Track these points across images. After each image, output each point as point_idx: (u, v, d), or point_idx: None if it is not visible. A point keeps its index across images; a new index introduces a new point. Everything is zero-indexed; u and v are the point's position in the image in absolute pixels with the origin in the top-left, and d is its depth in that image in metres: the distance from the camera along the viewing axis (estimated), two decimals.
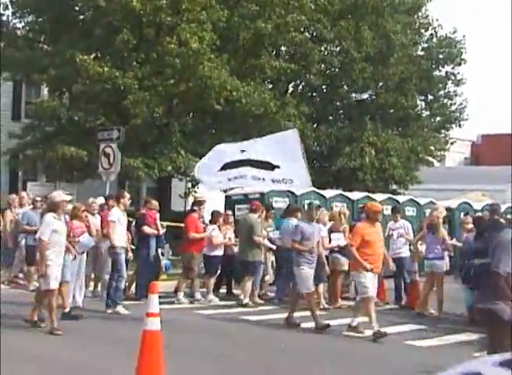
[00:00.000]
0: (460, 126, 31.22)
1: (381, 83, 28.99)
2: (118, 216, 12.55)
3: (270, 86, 27.00)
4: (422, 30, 30.10)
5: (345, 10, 27.32)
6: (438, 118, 30.57)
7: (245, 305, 13.94)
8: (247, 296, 14.13)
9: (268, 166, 11.86)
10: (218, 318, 12.68)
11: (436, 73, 29.93)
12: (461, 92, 30.37)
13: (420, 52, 30.03)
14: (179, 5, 20.65)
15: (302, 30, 25.52)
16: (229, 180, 11.93)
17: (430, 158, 30.60)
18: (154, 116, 20.16)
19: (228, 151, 12.27)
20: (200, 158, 21.52)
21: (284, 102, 23.13)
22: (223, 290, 15.73)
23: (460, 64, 29.70)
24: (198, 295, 14.28)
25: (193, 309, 13.44)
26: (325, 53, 28.20)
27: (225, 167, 11.80)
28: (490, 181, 37.12)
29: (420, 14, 30.09)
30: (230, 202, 18.35)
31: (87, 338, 10.32)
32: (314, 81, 27.87)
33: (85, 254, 12.91)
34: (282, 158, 11.95)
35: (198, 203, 15.13)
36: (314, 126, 28.57)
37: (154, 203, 14.49)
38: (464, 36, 29.76)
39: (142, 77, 20.60)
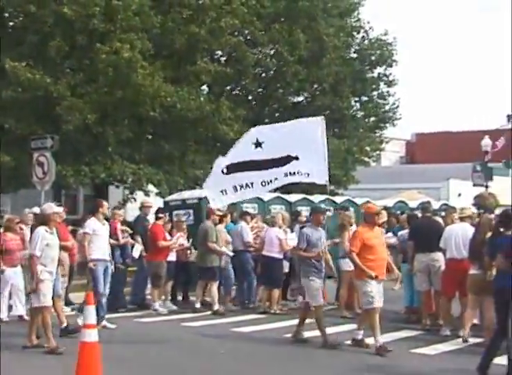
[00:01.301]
0: (394, 125, 31.75)
1: (316, 86, 29.27)
2: (93, 228, 12.06)
3: (206, 90, 26.98)
4: (354, 33, 30.54)
5: (278, 13, 27.47)
6: (372, 118, 31.04)
7: (216, 312, 13.90)
8: (215, 302, 14.10)
9: (283, 161, 11.11)
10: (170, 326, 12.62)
11: (369, 74, 30.39)
12: (394, 92, 30.92)
13: (353, 54, 30.45)
14: (112, 12, 20.44)
15: (236, 33, 25.56)
16: (236, 189, 11.15)
17: (366, 159, 31.01)
18: (87, 123, 19.90)
19: (241, 147, 11.39)
20: (137, 165, 21.62)
21: (220, 106, 23.11)
22: (179, 297, 15.73)
23: (391, 65, 30.24)
24: (156, 305, 14.19)
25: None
26: (260, 56, 28.30)
27: (232, 169, 11.11)
28: (425, 179, 37.88)
29: (352, 17, 30.49)
30: (168, 208, 18.27)
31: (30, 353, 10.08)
32: (250, 85, 27.97)
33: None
34: (303, 148, 11.15)
35: (146, 209, 15.12)
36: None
37: (115, 212, 14.27)
38: (394, 38, 30.30)
39: (75, 85, 20.34)
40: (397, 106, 30.86)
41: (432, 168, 42.33)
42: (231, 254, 14.70)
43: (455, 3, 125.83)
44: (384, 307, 10.63)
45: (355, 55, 30.44)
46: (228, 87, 28.56)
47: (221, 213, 14.91)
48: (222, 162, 11.35)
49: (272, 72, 28.57)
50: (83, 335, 7.77)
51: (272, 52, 28.36)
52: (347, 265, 13.51)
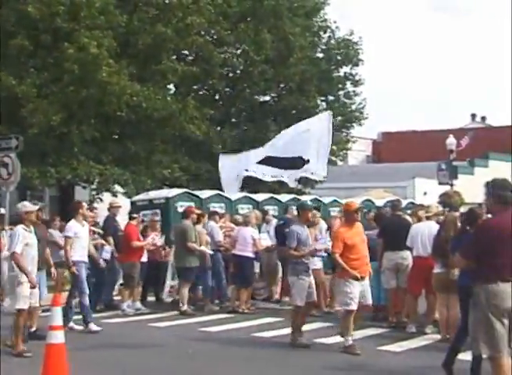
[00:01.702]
0: (360, 124, 31.95)
1: (282, 85, 29.38)
2: (75, 231, 11.86)
3: (173, 90, 26.93)
4: (321, 33, 30.70)
5: (244, 13, 27.53)
6: (339, 118, 31.18)
7: (184, 312, 13.85)
8: (185, 303, 14.03)
9: (298, 164, 11.13)
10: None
11: (335, 74, 30.55)
12: (360, 92, 31.13)
13: (319, 54, 30.60)
14: (76, 11, 20.29)
15: (202, 33, 25.55)
16: (247, 171, 11.42)
17: (333, 158, 31.15)
18: (52, 123, 19.71)
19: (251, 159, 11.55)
20: (103, 166, 21.47)
21: (187, 105, 23.07)
22: (151, 297, 15.67)
23: (357, 65, 30.45)
24: (124, 305, 14.11)
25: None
26: (227, 56, 28.33)
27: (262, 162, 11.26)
28: (392, 178, 38.18)
29: (318, 17, 30.63)
30: (136, 208, 18.18)
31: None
32: (216, 84, 27.98)
33: None
34: (314, 148, 11.12)
35: (114, 209, 15.01)
36: (218, 128, 28.67)
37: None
38: (360, 37, 30.51)
39: (40, 84, 20.15)
40: (364, 106, 31.09)
41: (398, 167, 42.67)
42: (211, 253, 14.66)
43: (419, 3, 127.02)
44: None
45: (321, 55, 30.60)
46: (195, 87, 28.55)
47: (199, 212, 14.88)
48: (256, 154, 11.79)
49: (238, 71, 28.63)
50: (49, 337, 7.72)
51: (238, 52, 28.42)
52: (312, 263, 13.59)
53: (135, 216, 14.90)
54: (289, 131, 11.61)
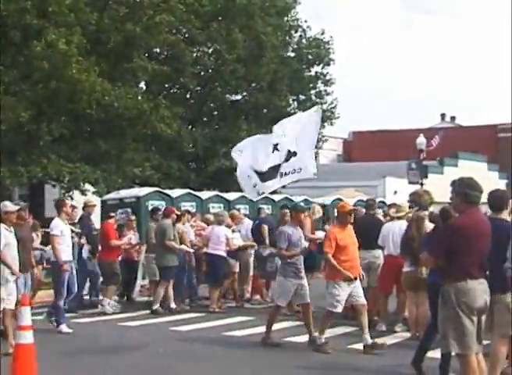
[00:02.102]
0: (332, 124, 32.06)
1: (254, 84, 29.40)
2: (61, 229, 11.70)
3: (144, 88, 26.82)
4: (292, 32, 30.76)
5: (216, 12, 27.50)
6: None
7: (155, 311, 13.77)
8: (158, 302, 13.91)
9: (287, 157, 10.85)
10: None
11: (307, 73, 30.63)
12: (331, 91, 31.22)
13: (290, 53, 30.66)
14: (45, 7, 20.11)
15: (174, 31, 25.48)
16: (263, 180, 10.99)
17: None
18: (21, 120, 19.51)
19: (260, 155, 11.06)
20: (73, 164, 21.29)
21: (158, 104, 22.98)
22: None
23: (328, 64, 30.54)
24: (106, 303, 13.98)
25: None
26: (198, 55, 28.29)
27: (262, 177, 10.95)
28: (362, 177, 38.37)
29: (289, 16, 30.68)
30: (107, 207, 18.09)
31: None
32: (188, 83, 27.92)
33: None
34: (301, 142, 10.83)
35: (89, 208, 14.88)
36: (190, 127, 28.62)
37: None
38: (331, 37, 30.62)
39: (9, 82, 19.93)
40: (335, 105, 31.19)
41: (369, 166, 42.88)
42: (191, 251, 14.60)
43: (393, 2, 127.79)
44: (321, 303, 10.73)
45: (293, 54, 30.65)
46: (166, 86, 28.47)
47: (178, 213, 14.81)
48: (246, 159, 11.19)
49: (210, 70, 28.59)
50: (18, 337, 7.64)
51: (210, 51, 28.38)
52: None
53: (112, 214, 14.79)
54: (283, 130, 11.28)
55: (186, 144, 27.27)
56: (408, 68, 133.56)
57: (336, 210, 11.59)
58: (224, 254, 14.34)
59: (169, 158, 26.77)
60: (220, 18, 27.54)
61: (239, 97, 30.50)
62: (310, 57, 30.27)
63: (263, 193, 11.53)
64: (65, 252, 11.72)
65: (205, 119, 30.10)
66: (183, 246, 14.26)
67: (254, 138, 12.02)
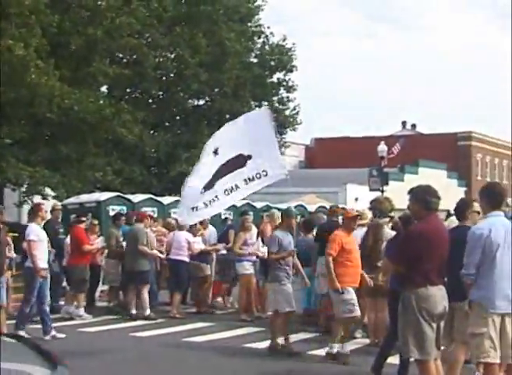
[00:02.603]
0: (294, 130, 32.16)
1: (217, 90, 29.37)
2: (37, 234, 11.43)
3: (105, 93, 26.63)
4: (255, 38, 30.80)
5: (179, 17, 27.44)
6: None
7: (131, 316, 13.61)
8: (147, 307, 13.77)
9: (240, 162, 10.39)
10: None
11: (269, 79, 30.70)
12: (294, 98, 31.32)
13: (253, 59, 30.70)
14: (5, 9, 19.85)
15: (136, 36, 25.37)
16: (206, 205, 10.42)
17: None
18: None
19: (203, 164, 10.66)
20: (33, 168, 21.02)
21: (120, 109, 22.83)
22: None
23: (291, 71, 30.63)
24: (81, 311, 13.77)
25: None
26: (161, 59, 28.19)
27: (208, 186, 10.43)
28: (324, 184, 38.54)
29: (252, 22, 30.72)
30: (67, 212, 17.90)
31: None
32: (150, 87, 27.80)
33: None
34: (254, 143, 10.39)
35: (57, 212, 14.69)
36: (152, 132, 28.49)
37: None
38: (293, 43, 30.71)
39: None
40: (297, 112, 31.29)
41: (331, 172, 43.10)
42: (163, 256, 14.47)
43: (356, 11, 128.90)
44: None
45: (255, 60, 30.70)
46: (128, 90, 28.32)
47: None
48: (194, 181, 10.74)
49: (172, 75, 28.50)
50: None
51: (173, 56, 28.30)
52: (243, 268, 13.61)
53: (83, 219, 14.58)
54: (224, 134, 11.02)
55: (148, 148, 27.13)
56: (370, 76, 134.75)
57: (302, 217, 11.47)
58: (186, 259, 14.26)
59: (131, 163, 26.61)
60: (183, 23, 27.48)
61: (201, 102, 30.46)
62: (272, 63, 30.35)
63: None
64: (42, 259, 11.51)
65: (167, 123, 29.99)
66: (154, 251, 14.17)
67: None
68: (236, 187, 10.40)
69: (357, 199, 36.19)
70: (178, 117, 30.24)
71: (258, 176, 10.42)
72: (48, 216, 14.02)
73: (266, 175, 10.43)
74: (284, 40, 30.54)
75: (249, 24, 30.55)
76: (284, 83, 30.89)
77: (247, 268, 13.53)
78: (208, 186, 10.45)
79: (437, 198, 6.96)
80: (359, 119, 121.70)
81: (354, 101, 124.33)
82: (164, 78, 28.90)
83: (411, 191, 7.12)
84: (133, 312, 13.81)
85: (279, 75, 30.85)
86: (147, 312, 13.69)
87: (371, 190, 34.83)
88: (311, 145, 63.59)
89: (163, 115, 29.27)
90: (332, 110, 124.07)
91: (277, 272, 10.54)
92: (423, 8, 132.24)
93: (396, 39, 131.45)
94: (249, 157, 10.37)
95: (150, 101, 29.61)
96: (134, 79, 26.29)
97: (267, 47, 30.70)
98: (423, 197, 6.93)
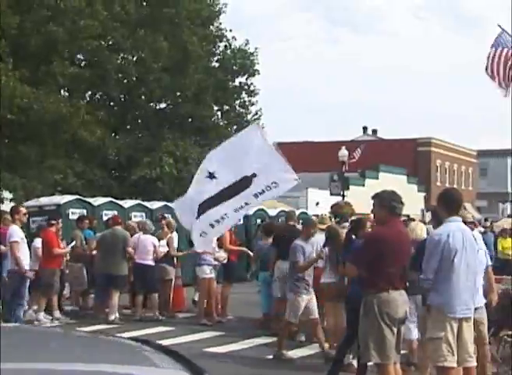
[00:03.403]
0: None
1: (179, 93, 29.28)
2: (20, 235, 11.33)
3: (66, 94, 26.39)
4: (217, 42, 30.75)
5: (141, 20, 27.31)
6: (234, 127, 31.33)
7: (112, 322, 13.42)
8: (114, 312, 13.61)
9: (246, 183, 10.20)
10: None
11: (231, 83, 30.67)
12: (256, 101, 31.33)
13: (215, 63, 30.66)
14: None
15: (98, 37, 25.20)
16: (212, 226, 10.25)
17: None
18: None
19: (200, 185, 10.39)
20: None
21: (79, 109, 22.62)
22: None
23: (253, 75, 30.65)
24: (41, 315, 13.52)
25: None
26: (123, 62, 28.02)
27: (202, 209, 10.18)
28: None
29: (214, 26, 30.66)
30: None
31: None
32: (111, 90, 27.61)
33: None
34: (255, 161, 10.22)
35: (17, 213, 14.46)
36: (113, 135, 28.29)
37: None
38: (256, 48, 30.71)
39: None
40: (260, 116, 31.32)
41: None
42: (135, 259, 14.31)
43: (317, 16, 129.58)
44: (242, 313, 10.73)
45: (217, 64, 30.66)
46: (89, 92, 28.10)
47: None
48: (185, 206, 10.50)
49: (134, 78, 28.35)
50: None
51: (135, 59, 28.16)
52: (203, 272, 13.57)
53: (53, 222, 14.36)
54: (219, 158, 10.61)
55: (110, 151, 26.94)
56: (332, 80, 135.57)
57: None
58: (152, 263, 14.17)
59: (92, 166, 26.40)
60: (146, 26, 27.35)
61: (163, 105, 30.34)
62: (235, 67, 30.33)
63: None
64: (26, 260, 11.43)
65: (129, 127, 29.82)
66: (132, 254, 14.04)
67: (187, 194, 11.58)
68: (246, 204, 10.30)
69: (317, 204, 36.34)
70: (139, 120, 30.08)
71: (268, 188, 10.27)
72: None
73: (277, 186, 10.28)
74: (246, 44, 30.56)
75: (211, 28, 30.49)
76: (246, 88, 30.90)
77: (207, 272, 13.51)
78: (206, 208, 10.21)
79: (401, 204, 7.07)
80: (320, 124, 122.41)
81: (316, 105, 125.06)
82: (126, 81, 28.72)
83: (376, 196, 7.18)
84: (113, 317, 13.65)
85: (241, 79, 30.86)
86: (113, 316, 13.56)
87: (331, 194, 35.01)
88: None
89: (125, 118, 29.10)
90: (294, 115, 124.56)
91: (297, 283, 10.47)
92: (385, 14, 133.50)
93: (358, 44, 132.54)
94: (254, 175, 10.22)
95: (111, 103, 29.40)
96: (95, 81, 26.09)
97: (229, 51, 30.66)
98: (389, 202, 7.01)
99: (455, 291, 6.70)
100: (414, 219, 16.76)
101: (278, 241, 12.66)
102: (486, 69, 12.44)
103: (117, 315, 13.65)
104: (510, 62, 12.26)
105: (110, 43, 27.11)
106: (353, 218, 12.23)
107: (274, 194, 10.70)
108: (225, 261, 14.06)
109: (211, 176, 10.37)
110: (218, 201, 10.25)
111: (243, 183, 10.22)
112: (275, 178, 10.25)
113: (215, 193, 10.27)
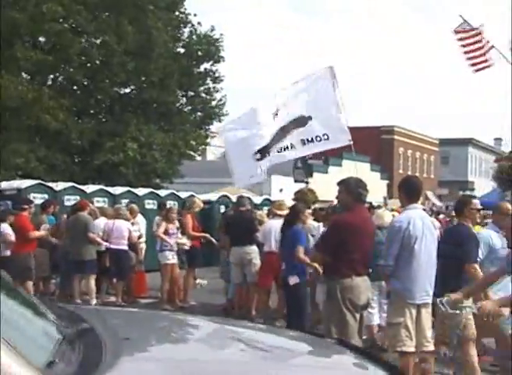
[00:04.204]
0: (220, 121, 32.09)
1: (143, 78, 29.07)
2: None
3: (28, 78, 26.04)
4: (182, 27, 30.54)
5: (105, 3, 26.98)
6: (199, 113, 31.24)
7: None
8: (93, 297, 13.51)
9: (301, 122, 9.79)
10: None
11: (196, 69, 30.53)
12: (221, 88, 31.24)
13: (180, 49, 30.47)
14: None
15: (61, 21, 24.86)
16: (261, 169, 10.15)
17: (192, 153, 31.20)
18: None
19: (267, 124, 9.99)
20: None
21: (43, 95, 22.35)
22: None
23: (218, 61, 30.54)
24: None
25: None
26: (86, 46, 27.70)
27: (264, 152, 9.99)
28: None
29: (179, 11, 30.42)
30: None
31: None
32: (75, 74, 27.29)
33: None
34: (314, 105, 9.70)
35: None
36: (76, 119, 28.00)
37: None
38: (221, 34, 30.57)
39: None
40: (224, 103, 31.23)
41: None
42: (106, 244, 14.19)
43: (280, 2, 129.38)
44: (205, 300, 10.73)
45: (183, 50, 30.47)
46: (52, 76, 27.75)
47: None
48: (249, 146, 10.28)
49: (98, 62, 28.05)
50: None
51: (98, 42, 27.85)
52: (166, 258, 13.55)
53: (25, 207, 14.17)
54: (285, 96, 10.12)
55: (73, 136, 26.66)
56: (295, 68, 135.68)
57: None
58: (127, 248, 14.16)
59: (55, 151, 26.11)
60: (109, 9, 27.03)
61: (127, 90, 30.08)
62: (200, 53, 30.17)
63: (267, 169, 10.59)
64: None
65: (92, 111, 29.53)
66: (98, 239, 13.95)
67: (242, 118, 10.91)
68: (292, 146, 9.94)
69: (281, 190, 36.42)
70: (103, 105, 29.80)
71: (318, 139, 9.88)
72: None
73: (327, 138, 9.86)
74: (212, 30, 30.39)
75: (176, 13, 30.23)
76: (211, 74, 30.79)
77: (169, 258, 13.50)
78: (264, 150, 10.09)
79: (367, 191, 7.19)
80: None
81: None
82: (89, 65, 28.40)
83: (343, 182, 7.25)
84: (79, 301, 13.58)
85: (206, 65, 30.71)
86: (94, 301, 13.51)
87: (295, 181, 35.14)
88: None
89: (88, 102, 28.79)
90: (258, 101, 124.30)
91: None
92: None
93: (319, 29, 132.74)
94: (309, 118, 9.82)
95: (75, 87, 29.07)
96: (58, 65, 25.77)
97: (194, 37, 30.47)
98: (355, 188, 7.09)
99: (415, 277, 6.80)
100: (380, 206, 16.96)
101: (228, 227, 12.75)
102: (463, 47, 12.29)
103: (95, 300, 13.61)
104: (482, 42, 12.19)
105: (73, 26, 26.76)
106: (316, 205, 12.33)
107: (320, 148, 10.33)
108: (187, 247, 14.08)
109: (276, 113, 10.10)
110: (272, 143, 10.05)
111: (298, 121, 9.88)
112: (329, 131, 9.80)
113: (275, 131, 9.99)
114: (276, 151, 10.03)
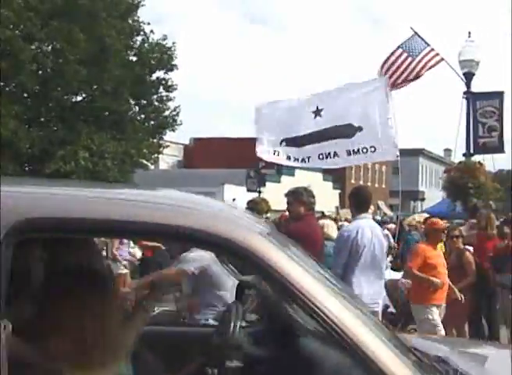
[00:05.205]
0: (173, 130, 32.02)
1: (96, 87, 28.86)
2: None
3: None
4: (135, 35, 30.40)
5: (56, 10, 26.74)
6: (152, 122, 31.11)
7: None
8: None
9: (348, 131, 9.50)
10: None
11: (149, 78, 30.40)
12: (173, 97, 31.15)
13: (133, 57, 30.31)
14: None
15: (12, 27, 24.58)
16: (289, 159, 9.84)
17: (144, 161, 31.06)
18: None
19: (300, 118, 9.73)
20: None
21: None
22: None
23: (171, 70, 30.46)
24: None
25: None
26: (37, 52, 27.42)
27: (290, 143, 9.71)
28: (202, 183, 38.59)
29: (132, 19, 30.29)
30: None
31: None
32: (25, 81, 26.98)
33: None
34: (366, 116, 9.46)
35: None
36: (27, 127, 27.67)
37: None
38: (174, 43, 30.51)
39: None
40: (178, 113, 31.13)
41: (209, 172, 43.19)
42: None
43: (236, 14, 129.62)
44: None
45: (135, 58, 30.33)
46: (2, 83, 27.39)
47: None
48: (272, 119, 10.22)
49: (49, 70, 27.78)
50: None
51: (50, 49, 27.59)
52: (118, 268, 13.48)
53: None
54: (333, 98, 9.91)
55: (23, 144, 26.34)
56: (250, 75, 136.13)
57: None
58: None
59: (4, 159, 25.74)
60: (61, 16, 26.78)
61: (79, 98, 29.83)
62: (152, 62, 30.06)
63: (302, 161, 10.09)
64: None
65: (43, 119, 29.21)
66: None
67: (283, 103, 10.57)
68: (335, 154, 9.69)
69: (234, 199, 36.41)
70: (54, 113, 29.49)
71: (365, 150, 9.59)
72: None
73: (374, 151, 9.57)
74: (164, 39, 30.32)
75: (129, 21, 30.09)
76: (164, 82, 30.70)
77: (122, 268, 13.44)
78: (294, 144, 9.88)
79: (314, 199, 7.32)
80: (239, 121, 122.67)
81: (234, 101, 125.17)
82: (41, 72, 28.11)
83: (292, 193, 7.34)
84: None
85: (158, 74, 30.61)
86: None
87: (248, 190, 35.17)
88: (190, 145, 63.52)
89: (39, 110, 28.48)
90: (212, 111, 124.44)
91: None
92: (297, 11, 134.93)
93: (272, 40, 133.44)
94: (359, 129, 9.59)
95: (25, 95, 28.74)
96: (8, 72, 25.45)
97: (146, 45, 30.36)
98: (307, 198, 7.22)
99: (363, 285, 6.90)
100: (330, 217, 17.12)
101: None
102: (384, 63, 12.33)
103: None
104: (403, 67, 12.23)
105: (23, 33, 26.45)
106: (268, 215, 12.40)
107: (365, 160, 10.16)
108: (138, 256, 14.05)
109: (317, 112, 9.88)
110: (311, 141, 9.81)
111: (346, 130, 9.68)
112: (377, 143, 9.59)
113: (314, 131, 9.78)
114: (318, 157, 9.80)
